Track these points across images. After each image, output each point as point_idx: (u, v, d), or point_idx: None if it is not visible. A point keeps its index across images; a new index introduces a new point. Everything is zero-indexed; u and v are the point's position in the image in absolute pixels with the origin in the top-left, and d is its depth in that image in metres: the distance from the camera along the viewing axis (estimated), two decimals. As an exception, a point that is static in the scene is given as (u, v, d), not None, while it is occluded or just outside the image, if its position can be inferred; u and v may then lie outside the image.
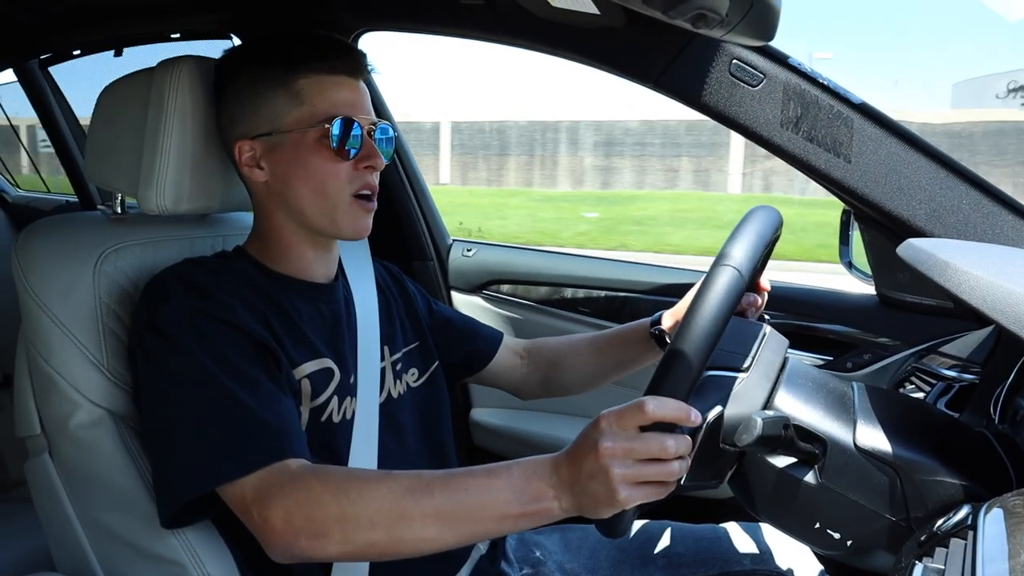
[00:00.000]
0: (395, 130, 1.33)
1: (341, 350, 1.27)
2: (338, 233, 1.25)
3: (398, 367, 1.38)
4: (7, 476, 2.30)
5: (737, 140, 16.47)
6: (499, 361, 1.60)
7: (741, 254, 1.01)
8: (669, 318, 1.47)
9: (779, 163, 1.51)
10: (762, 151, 1.49)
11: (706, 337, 0.94)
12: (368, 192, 1.23)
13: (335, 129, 1.17)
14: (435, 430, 1.43)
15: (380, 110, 1.94)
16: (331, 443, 1.22)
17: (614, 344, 1.56)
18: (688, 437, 0.93)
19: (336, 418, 1.23)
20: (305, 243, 1.27)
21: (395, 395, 1.35)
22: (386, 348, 1.36)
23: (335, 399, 1.23)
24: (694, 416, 0.92)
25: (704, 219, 13.58)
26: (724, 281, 0.98)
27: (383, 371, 1.33)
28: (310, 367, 1.20)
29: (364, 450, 1.25)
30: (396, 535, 0.97)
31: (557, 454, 0.98)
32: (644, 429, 0.91)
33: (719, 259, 1.01)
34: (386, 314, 1.40)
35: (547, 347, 1.64)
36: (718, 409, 0.99)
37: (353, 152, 1.20)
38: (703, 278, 1.01)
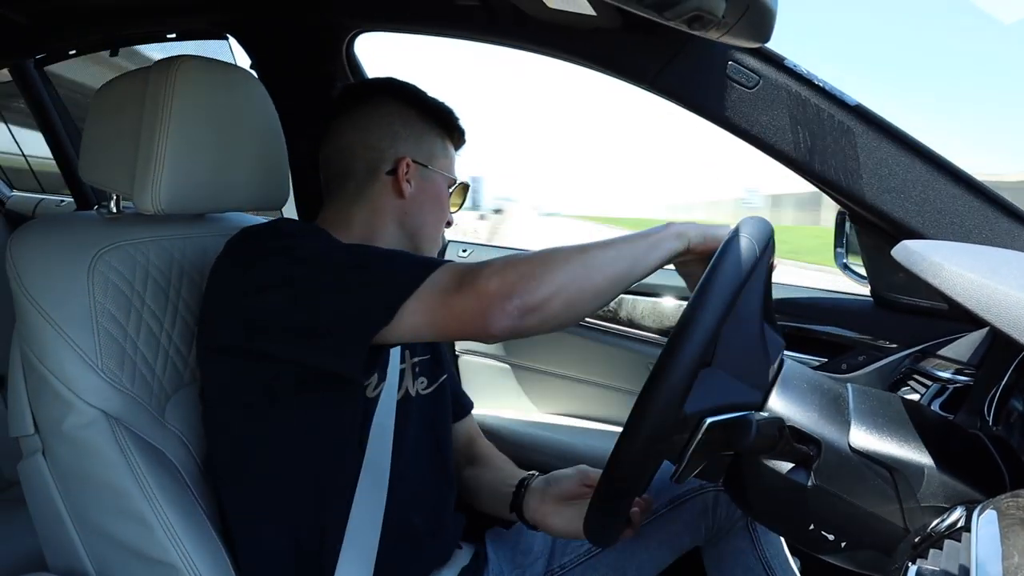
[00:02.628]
0: None
1: None
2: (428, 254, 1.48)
3: (416, 370, 1.46)
4: (1, 477, 2.29)
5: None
6: (455, 429, 1.67)
7: (752, 228, 1.02)
8: (539, 486, 1.49)
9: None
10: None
11: (727, 297, 0.95)
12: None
13: (466, 189, 1.53)
14: (439, 436, 1.51)
15: None
16: (361, 416, 1.29)
17: (493, 487, 1.59)
18: None
19: (371, 393, 1.31)
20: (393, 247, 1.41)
21: (412, 393, 1.43)
22: (407, 351, 1.45)
23: (375, 376, 1.32)
24: None
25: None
26: (741, 247, 0.99)
27: (403, 371, 1.41)
28: None
29: (384, 431, 1.32)
30: (587, 264, 1.07)
31: None
32: None
33: (735, 233, 1.02)
34: None
35: (480, 454, 1.70)
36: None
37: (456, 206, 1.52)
38: (718, 250, 1.01)
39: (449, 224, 1.52)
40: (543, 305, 1.03)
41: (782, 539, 1.49)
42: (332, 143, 1.43)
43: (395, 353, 1.38)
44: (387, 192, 1.40)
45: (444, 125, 1.47)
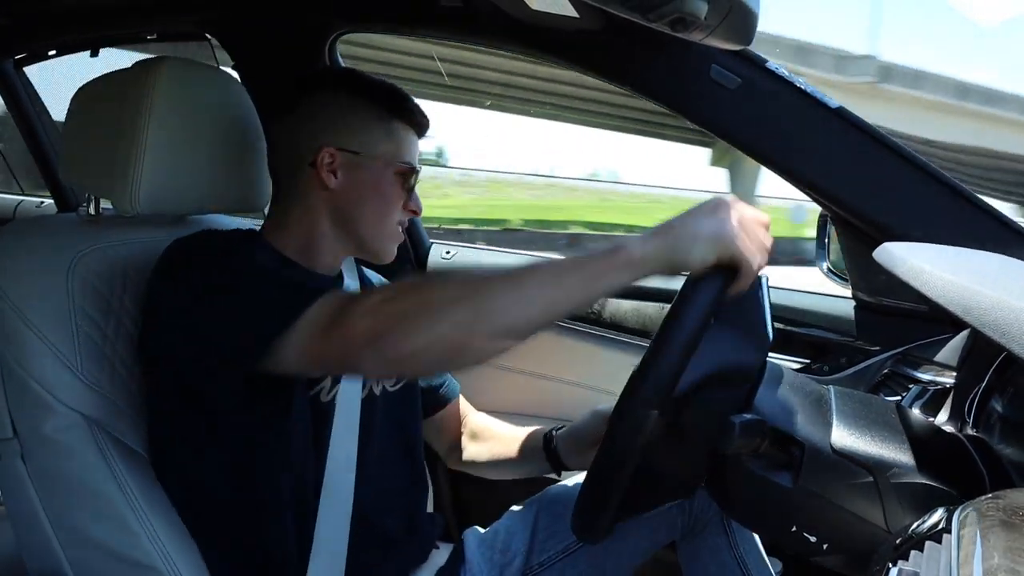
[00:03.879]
0: None
1: None
2: (378, 252, 1.38)
3: None
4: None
5: None
6: (447, 414, 1.66)
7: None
8: (569, 440, 1.51)
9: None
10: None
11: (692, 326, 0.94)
12: (404, 225, 1.41)
13: (414, 175, 1.36)
14: (408, 435, 1.49)
15: None
16: (316, 420, 1.26)
17: (522, 449, 1.59)
18: None
19: (324, 397, 1.28)
20: (335, 248, 1.36)
21: (376, 392, 1.40)
22: None
23: (328, 379, 1.28)
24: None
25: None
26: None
27: None
28: None
29: (345, 436, 1.28)
30: (480, 308, 0.94)
31: None
32: None
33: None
34: None
35: (479, 426, 1.69)
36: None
37: (412, 194, 1.38)
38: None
39: (416, 212, 1.41)
40: (414, 356, 0.97)
41: (756, 536, 1.49)
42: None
43: None
44: (313, 186, 1.32)
45: (389, 107, 1.36)
